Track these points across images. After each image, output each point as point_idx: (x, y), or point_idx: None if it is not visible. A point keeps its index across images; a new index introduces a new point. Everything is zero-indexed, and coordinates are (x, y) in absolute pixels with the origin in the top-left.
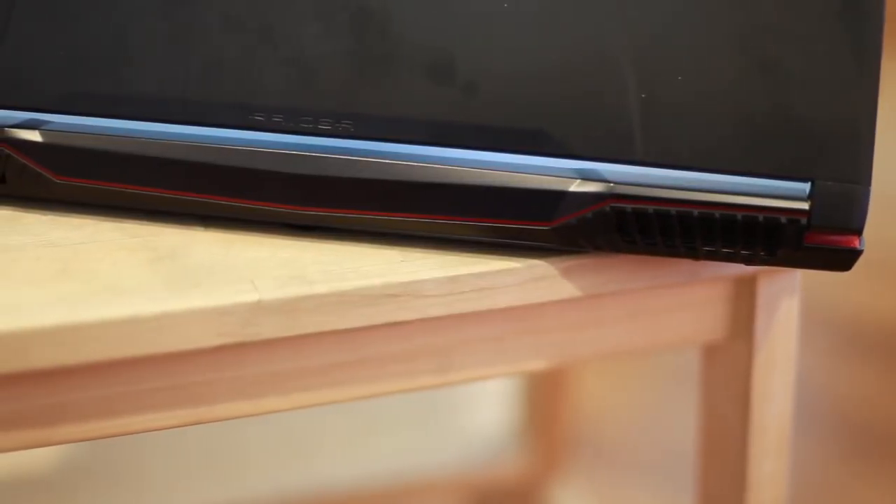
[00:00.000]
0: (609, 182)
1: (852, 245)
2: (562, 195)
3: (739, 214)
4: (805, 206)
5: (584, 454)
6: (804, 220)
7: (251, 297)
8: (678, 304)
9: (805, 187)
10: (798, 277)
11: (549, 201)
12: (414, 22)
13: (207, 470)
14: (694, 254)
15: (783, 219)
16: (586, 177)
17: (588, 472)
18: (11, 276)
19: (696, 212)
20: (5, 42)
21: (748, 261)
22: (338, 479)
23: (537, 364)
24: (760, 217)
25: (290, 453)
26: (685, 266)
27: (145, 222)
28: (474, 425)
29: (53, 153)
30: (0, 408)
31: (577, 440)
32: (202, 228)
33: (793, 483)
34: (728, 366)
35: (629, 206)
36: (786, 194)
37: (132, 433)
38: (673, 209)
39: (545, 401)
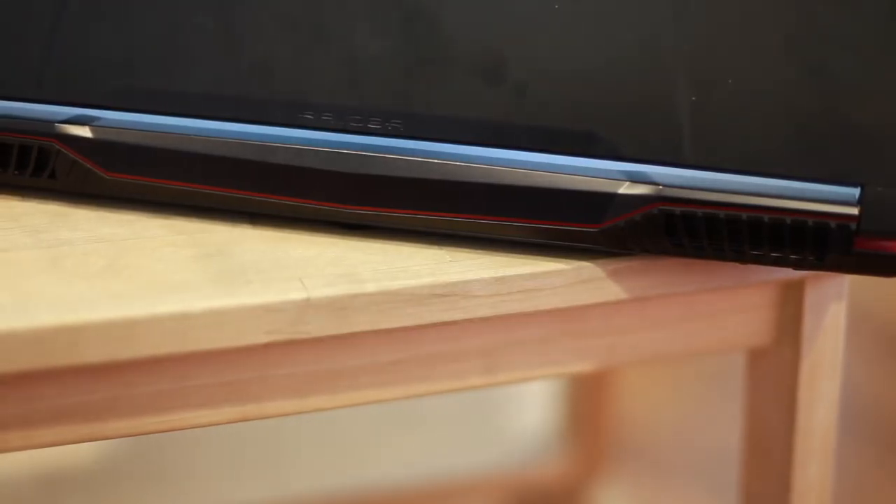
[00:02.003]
0: (658, 185)
1: None
2: (610, 197)
3: (788, 219)
4: (855, 211)
5: (626, 456)
6: (853, 225)
7: (300, 295)
8: (725, 308)
9: (855, 192)
10: (846, 282)
11: (597, 203)
12: (465, 22)
13: (250, 467)
14: (742, 258)
15: (832, 224)
16: (635, 179)
17: (630, 475)
18: (61, 271)
19: (744, 215)
20: (57, 38)
21: (796, 265)
22: (379, 477)
23: (583, 366)
24: (809, 222)
25: (331, 452)
26: (733, 270)
27: (194, 219)
28: (516, 426)
29: (103, 149)
30: (48, 403)
31: (619, 442)
32: (250, 226)
33: (832, 486)
34: (774, 371)
35: (678, 210)
36: (835, 199)
37: (179, 429)
38: (721, 213)
39: (588, 402)
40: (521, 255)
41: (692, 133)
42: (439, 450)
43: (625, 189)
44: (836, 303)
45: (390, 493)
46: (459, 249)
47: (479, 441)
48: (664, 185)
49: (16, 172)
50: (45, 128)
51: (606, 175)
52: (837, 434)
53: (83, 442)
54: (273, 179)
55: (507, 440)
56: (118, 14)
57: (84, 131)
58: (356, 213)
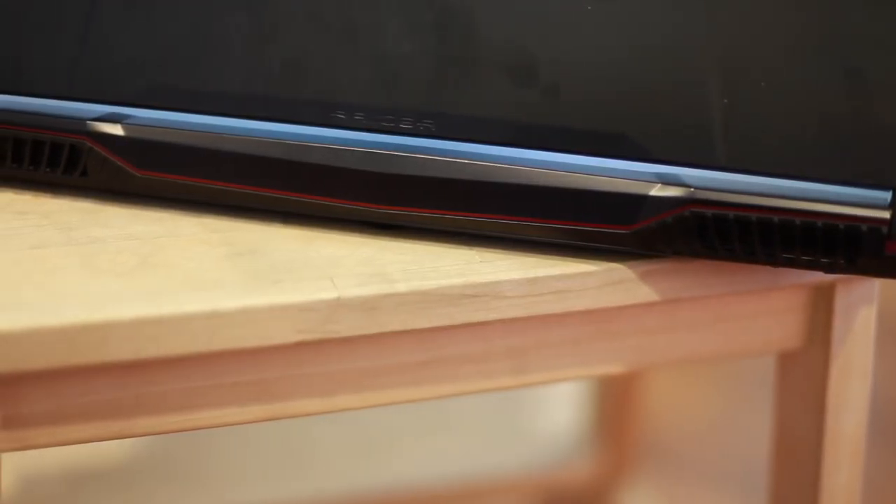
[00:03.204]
0: (690, 187)
1: None
2: (642, 199)
3: (820, 222)
4: (886, 214)
5: (654, 458)
6: (885, 229)
7: (331, 294)
8: (756, 310)
9: (887, 196)
10: (876, 286)
11: (629, 205)
12: (497, 23)
13: (277, 466)
14: (773, 261)
15: (864, 227)
16: (667, 181)
17: (657, 477)
18: (92, 269)
19: (776, 218)
20: (89, 36)
21: (827, 269)
22: (406, 478)
23: (613, 368)
24: (841, 225)
25: (359, 452)
26: (764, 273)
27: (225, 217)
28: (544, 427)
29: (135, 147)
30: (78, 399)
31: (647, 444)
32: (282, 225)
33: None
34: (804, 374)
35: (709, 212)
36: (867, 202)
37: (208, 427)
38: (753, 215)
39: (616, 404)
40: (552, 256)
41: (724, 135)
42: (467, 450)
43: (656, 191)
44: (866, 306)
45: (417, 494)
46: (490, 250)
47: (507, 442)
48: (696, 188)
49: (48, 170)
50: (77, 125)
51: (638, 177)
52: (867, 438)
53: (111, 439)
54: (305, 179)
55: (534, 441)
56: (150, 12)
57: (116, 129)
58: (387, 212)
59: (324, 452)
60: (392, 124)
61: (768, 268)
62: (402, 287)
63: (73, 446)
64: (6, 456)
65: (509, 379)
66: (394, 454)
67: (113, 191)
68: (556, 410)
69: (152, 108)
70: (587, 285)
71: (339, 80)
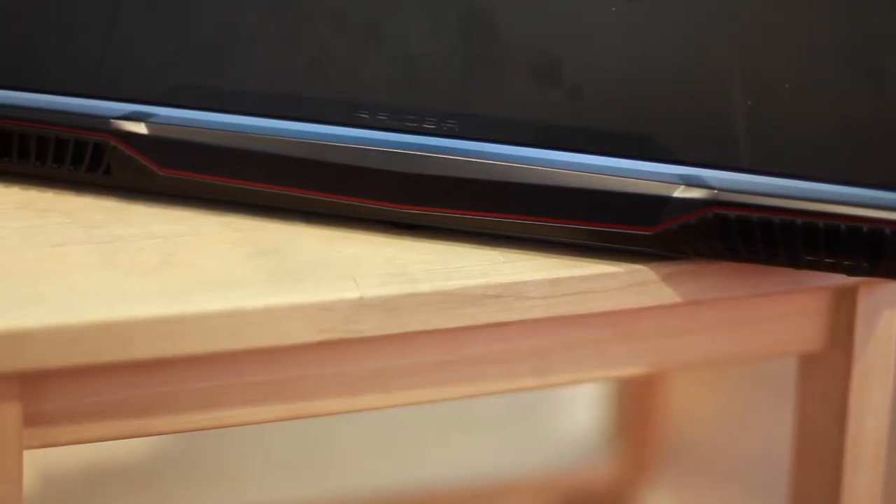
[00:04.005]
0: (713, 189)
1: None
2: (665, 201)
3: (843, 224)
4: None
5: (674, 460)
6: None
7: (353, 294)
8: (778, 313)
9: None
10: None
11: (651, 206)
12: (521, 23)
13: (298, 465)
14: (796, 263)
15: (887, 230)
16: (690, 183)
17: (677, 479)
18: (115, 267)
19: (799, 220)
20: (113, 35)
21: (850, 271)
22: (426, 478)
23: (635, 369)
24: (864, 227)
25: (379, 451)
26: (786, 275)
27: (247, 216)
28: (564, 427)
29: (158, 146)
30: (99, 397)
31: (667, 445)
32: (304, 224)
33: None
34: (825, 377)
35: (732, 214)
36: (891, 205)
37: (230, 426)
38: (776, 217)
39: (636, 405)
40: (575, 257)
41: (747, 137)
42: (487, 451)
43: (679, 193)
44: (888, 309)
45: (436, 494)
46: (513, 250)
47: (527, 442)
48: (719, 189)
49: (71, 168)
50: (101, 124)
51: (661, 178)
52: (888, 440)
53: (132, 437)
54: (328, 178)
55: (554, 442)
56: (174, 11)
57: (139, 128)
58: (410, 212)
59: (344, 452)
60: (415, 124)
61: (791, 270)
62: (424, 287)
63: (94, 444)
64: (27, 453)
65: (531, 380)
66: (414, 454)
67: (136, 189)
68: (577, 411)
69: (176, 106)
70: (610, 286)
71: (363, 79)
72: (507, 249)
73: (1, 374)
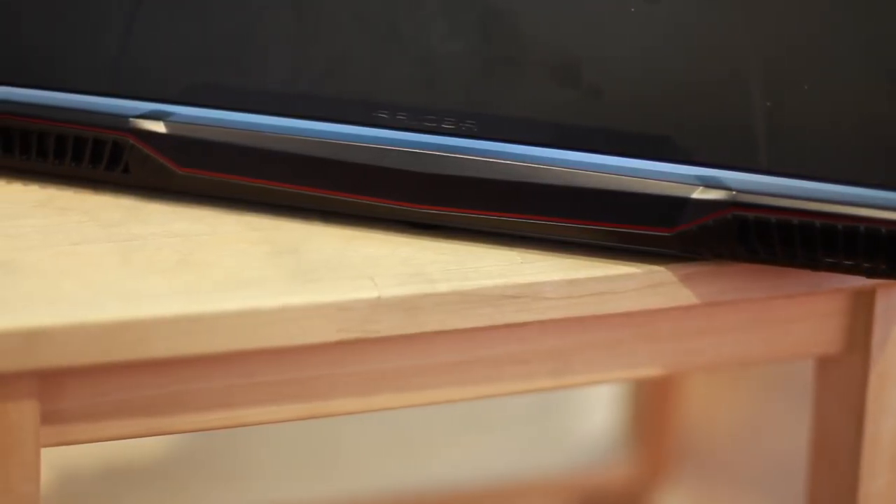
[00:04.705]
0: (731, 190)
1: None
2: (684, 202)
3: (862, 226)
4: None
5: (691, 461)
6: None
7: (371, 293)
8: (796, 315)
9: None
10: None
11: (670, 208)
12: (540, 24)
13: (315, 465)
14: (814, 265)
15: None
16: (709, 184)
17: (693, 480)
18: (133, 265)
19: (818, 222)
20: (132, 33)
21: (868, 273)
22: (443, 478)
23: (653, 371)
24: (883, 230)
25: (396, 452)
26: (805, 277)
27: (265, 216)
28: (580, 428)
29: (177, 144)
30: (117, 396)
31: (683, 447)
32: (322, 223)
33: None
34: (843, 379)
35: (751, 215)
36: None
37: (246, 425)
38: (795, 219)
39: (653, 406)
40: (593, 258)
41: (767, 139)
42: (503, 451)
43: (698, 194)
44: None
45: (453, 494)
46: (531, 251)
47: (543, 443)
48: (738, 191)
49: (90, 166)
50: (120, 122)
51: (680, 179)
52: None
53: (149, 436)
54: (346, 178)
55: (571, 442)
56: (194, 10)
57: (158, 126)
58: (428, 212)
59: (361, 452)
60: (434, 124)
61: (809, 272)
62: (442, 287)
63: (111, 442)
64: (45, 451)
65: (548, 380)
66: (430, 454)
67: (154, 188)
68: (593, 412)
69: (195, 105)
70: (627, 287)
71: (382, 79)
72: (524, 250)
73: (18, 371)
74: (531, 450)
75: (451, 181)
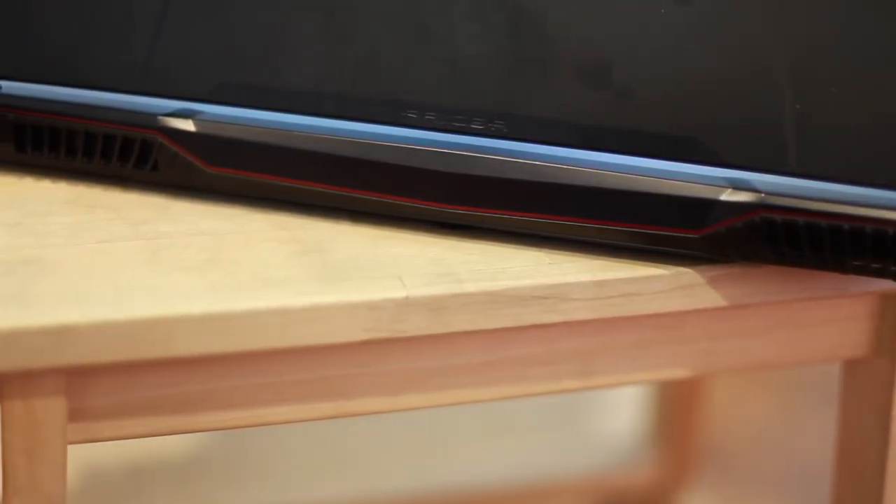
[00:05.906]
0: (760, 192)
1: None
2: (712, 204)
3: (891, 229)
4: None
5: (715, 463)
6: None
7: (399, 293)
8: (823, 317)
9: None
10: None
11: (698, 209)
12: (570, 25)
13: (339, 464)
14: (842, 268)
15: None
16: (737, 186)
17: (717, 483)
18: (161, 263)
19: (846, 225)
20: (162, 31)
21: None
22: (466, 478)
23: (679, 373)
24: None
25: (420, 451)
26: (832, 280)
27: (294, 214)
28: (605, 429)
29: (205, 143)
30: (144, 393)
31: (707, 448)
32: (350, 223)
33: None
34: (869, 382)
35: (779, 218)
36: None
37: (273, 424)
38: (823, 222)
39: (677, 408)
40: (621, 259)
41: (796, 141)
42: (528, 452)
43: (727, 196)
44: None
45: (477, 495)
46: (558, 252)
47: (568, 444)
48: (766, 193)
49: (118, 164)
50: (149, 120)
51: (709, 181)
52: None
53: (175, 434)
54: (375, 177)
55: (595, 444)
56: (223, 9)
57: (187, 125)
58: (457, 212)
59: (385, 452)
60: (463, 124)
61: (837, 275)
62: (470, 287)
63: (137, 440)
64: (71, 448)
65: (575, 381)
66: (454, 454)
67: (183, 186)
68: (617, 413)
69: (224, 104)
70: (655, 289)
71: (411, 79)
72: (552, 250)
73: (46, 368)
74: (555, 451)
75: (479, 181)
